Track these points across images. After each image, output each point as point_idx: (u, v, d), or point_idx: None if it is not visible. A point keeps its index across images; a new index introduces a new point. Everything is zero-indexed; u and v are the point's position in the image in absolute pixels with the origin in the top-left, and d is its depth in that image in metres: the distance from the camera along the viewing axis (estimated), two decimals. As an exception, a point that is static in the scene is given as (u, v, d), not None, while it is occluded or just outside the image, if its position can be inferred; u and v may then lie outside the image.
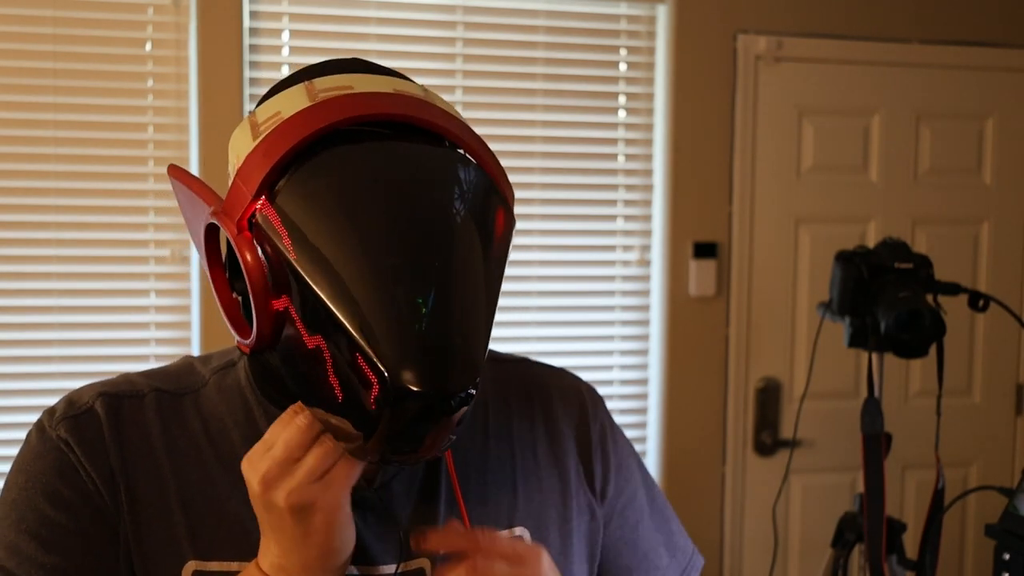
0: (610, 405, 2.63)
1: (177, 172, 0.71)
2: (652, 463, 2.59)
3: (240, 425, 0.75)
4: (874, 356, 1.90)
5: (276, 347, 0.66)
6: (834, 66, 2.61)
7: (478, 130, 2.60)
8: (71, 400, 0.74)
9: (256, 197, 0.63)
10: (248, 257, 0.63)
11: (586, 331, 2.54)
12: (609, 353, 2.57)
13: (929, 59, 2.65)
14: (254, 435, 0.72)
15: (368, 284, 0.60)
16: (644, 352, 2.59)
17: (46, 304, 2.25)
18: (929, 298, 1.83)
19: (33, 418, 0.76)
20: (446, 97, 2.40)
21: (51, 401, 0.76)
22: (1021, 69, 2.72)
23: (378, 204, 0.63)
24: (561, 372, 0.91)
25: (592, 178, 2.51)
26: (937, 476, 1.78)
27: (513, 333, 2.49)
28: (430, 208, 0.64)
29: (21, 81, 2.21)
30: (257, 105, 0.72)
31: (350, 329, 0.59)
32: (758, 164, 2.58)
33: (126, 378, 0.77)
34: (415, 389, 0.58)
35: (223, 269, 0.70)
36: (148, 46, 2.27)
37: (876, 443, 1.78)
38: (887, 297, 1.80)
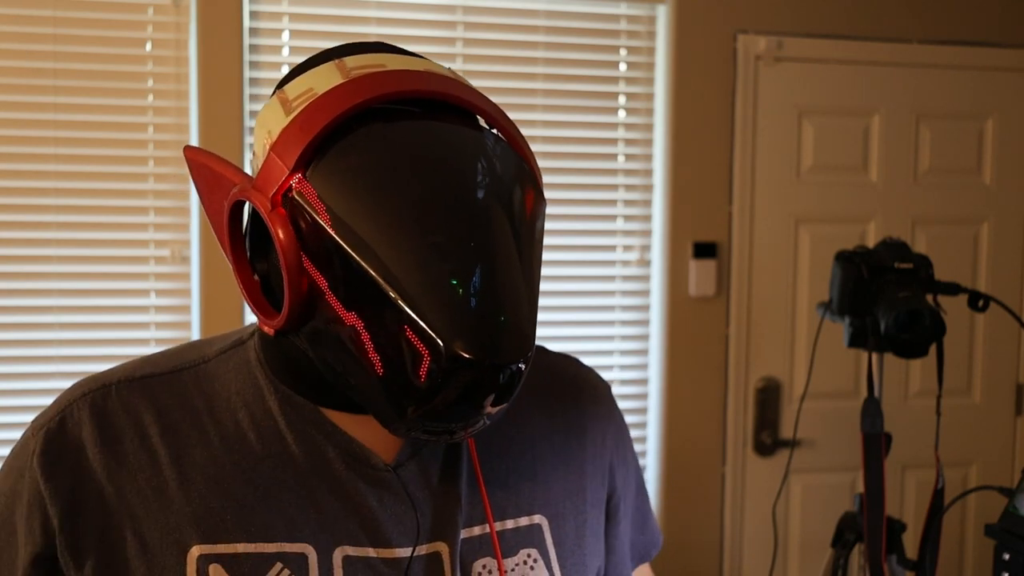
0: (610, 405, 2.63)
1: (195, 152, 0.70)
2: (652, 463, 2.59)
3: (249, 405, 0.73)
4: (874, 356, 1.90)
5: (302, 328, 0.66)
6: (834, 66, 2.61)
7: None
8: (57, 402, 0.74)
9: (293, 171, 0.62)
10: (281, 233, 0.62)
11: (586, 331, 2.54)
12: (609, 353, 2.57)
13: (929, 59, 2.65)
14: (263, 415, 0.73)
15: (413, 259, 0.60)
16: (644, 352, 2.59)
17: (46, 304, 2.25)
18: (929, 298, 1.83)
19: (32, 418, 0.76)
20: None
21: (50, 401, 0.76)
22: (1021, 69, 2.72)
23: (418, 181, 0.62)
24: (576, 362, 0.90)
25: (592, 178, 2.51)
26: (937, 476, 1.78)
27: (513, 333, 2.49)
28: (471, 186, 0.64)
29: (21, 81, 2.21)
30: (280, 85, 0.71)
31: (398, 301, 0.59)
32: (758, 164, 2.58)
33: (123, 366, 0.76)
34: (469, 357, 0.58)
35: (245, 250, 0.69)
36: (148, 46, 2.28)
37: (876, 443, 1.78)
38: (887, 297, 1.80)
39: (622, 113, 2.54)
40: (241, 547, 0.69)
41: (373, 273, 0.59)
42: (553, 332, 2.52)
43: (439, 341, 0.58)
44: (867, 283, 1.85)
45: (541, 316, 2.50)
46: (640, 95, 2.54)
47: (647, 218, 2.56)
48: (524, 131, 2.45)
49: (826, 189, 2.62)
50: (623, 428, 0.90)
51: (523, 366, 0.61)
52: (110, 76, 2.25)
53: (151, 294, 2.31)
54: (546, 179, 2.48)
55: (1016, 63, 2.71)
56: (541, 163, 2.48)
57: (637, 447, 2.60)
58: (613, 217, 2.54)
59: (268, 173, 0.63)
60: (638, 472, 0.92)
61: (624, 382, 2.58)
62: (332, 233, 0.61)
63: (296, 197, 0.62)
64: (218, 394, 0.74)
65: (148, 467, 0.70)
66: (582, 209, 2.51)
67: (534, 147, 2.47)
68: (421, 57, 0.72)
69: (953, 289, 1.85)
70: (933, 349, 1.83)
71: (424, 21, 2.40)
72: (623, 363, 2.58)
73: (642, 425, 2.60)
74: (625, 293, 2.56)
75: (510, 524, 0.76)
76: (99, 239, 2.27)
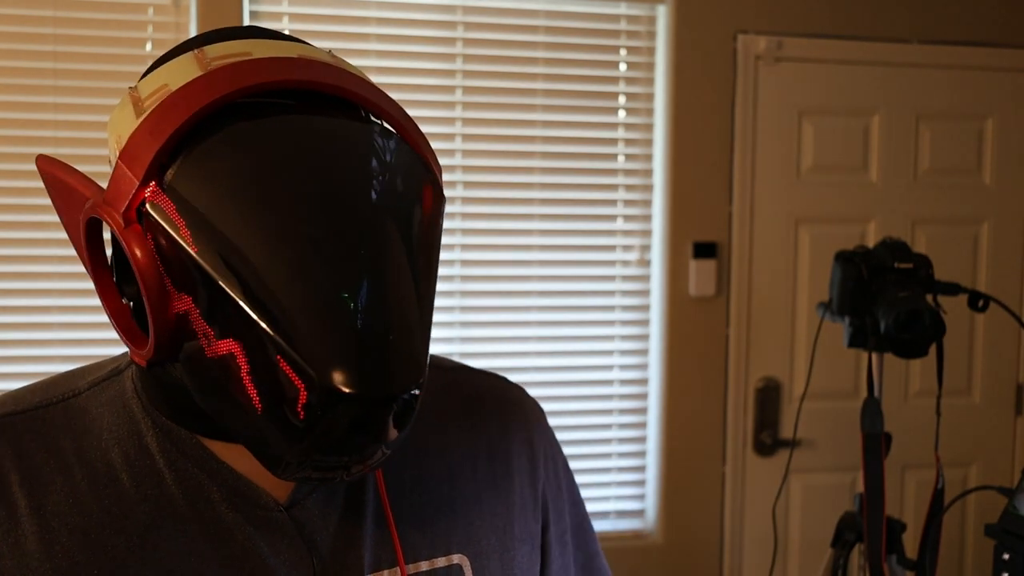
0: (610, 405, 2.64)
1: (47, 163, 0.61)
2: (652, 463, 2.59)
3: (122, 441, 0.65)
4: (874, 356, 1.90)
5: (177, 357, 0.58)
6: (834, 66, 2.61)
7: (478, 130, 2.62)
8: None
9: (144, 183, 0.55)
10: (139, 253, 0.54)
11: (586, 331, 2.54)
12: (609, 353, 2.57)
13: (929, 59, 2.65)
14: (138, 452, 0.64)
15: (286, 277, 0.52)
16: (644, 352, 2.59)
17: (46, 304, 2.25)
18: (929, 298, 1.83)
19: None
20: (446, 97, 2.41)
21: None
22: (1021, 69, 2.72)
23: (291, 185, 0.55)
24: (505, 382, 0.82)
25: (592, 178, 2.51)
26: (937, 476, 1.78)
27: (514, 333, 2.49)
28: (351, 188, 0.57)
29: (21, 81, 2.21)
30: (140, 80, 0.63)
31: (267, 328, 0.52)
32: (758, 164, 2.58)
33: None
34: (349, 391, 0.51)
35: (109, 271, 0.61)
36: (148, 46, 2.28)
37: (876, 443, 1.78)
38: (887, 297, 1.80)
39: (622, 113, 2.53)
40: None
41: (238, 297, 0.52)
42: (554, 332, 2.52)
43: (312, 373, 0.51)
44: (867, 283, 1.85)
45: (541, 316, 2.50)
46: (640, 95, 2.54)
47: (647, 218, 2.56)
48: (524, 131, 2.45)
49: (826, 189, 2.62)
50: (558, 454, 0.81)
51: (416, 392, 0.54)
52: (110, 76, 2.25)
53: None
54: (546, 179, 2.48)
55: (1016, 63, 2.71)
56: (541, 163, 2.47)
57: (637, 447, 2.60)
58: (613, 217, 2.54)
59: (117, 185, 0.56)
60: (576, 505, 0.83)
61: (624, 382, 2.58)
62: (193, 251, 0.53)
63: (151, 211, 0.55)
64: (89, 431, 0.65)
65: (5, 521, 0.61)
66: (582, 209, 2.51)
67: (534, 147, 2.47)
68: (300, 41, 0.64)
69: (953, 289, 1.85)
70: (933, 349, 1.83)
71: (424, 21, 2.40)
72: (623, 363, 2.58)
73: (642, 425, 2.60)
74: (625, 293, 2.56)
75: (424, 566, 0.68)
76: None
